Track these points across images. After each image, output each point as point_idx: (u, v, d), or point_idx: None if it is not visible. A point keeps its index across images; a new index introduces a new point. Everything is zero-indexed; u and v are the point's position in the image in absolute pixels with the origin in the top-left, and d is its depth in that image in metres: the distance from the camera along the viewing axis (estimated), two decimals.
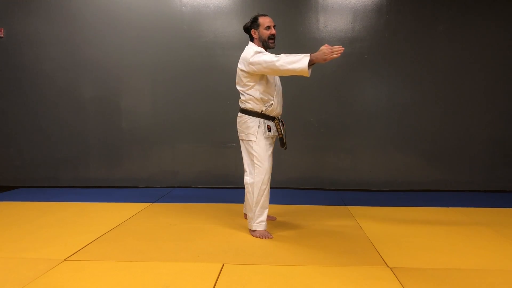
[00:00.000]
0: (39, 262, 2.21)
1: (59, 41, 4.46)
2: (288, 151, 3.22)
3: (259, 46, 2.68)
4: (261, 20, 2.65)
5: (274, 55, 2.48)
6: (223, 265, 2.16)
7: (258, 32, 2.65)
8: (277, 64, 2.42)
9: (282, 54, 2.44)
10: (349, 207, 3.54)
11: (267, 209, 2.71)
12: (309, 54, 2.35)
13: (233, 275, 2.04)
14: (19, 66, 4.50)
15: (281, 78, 3.04)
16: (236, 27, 4.31)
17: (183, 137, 4.51)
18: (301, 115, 4.32)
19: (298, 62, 2.35)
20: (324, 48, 2.32)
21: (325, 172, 4.44)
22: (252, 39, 2.72)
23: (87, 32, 4.45)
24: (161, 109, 4.49)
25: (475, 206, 3.61)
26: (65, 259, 2.25)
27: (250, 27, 2.69)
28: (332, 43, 4.26)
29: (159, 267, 2.14)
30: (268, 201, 2.72)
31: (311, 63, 2.36)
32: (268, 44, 2.66)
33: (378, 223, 3.01)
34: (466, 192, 4.27)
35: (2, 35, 4.46)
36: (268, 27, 2.63)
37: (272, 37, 2.64)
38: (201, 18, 4.37)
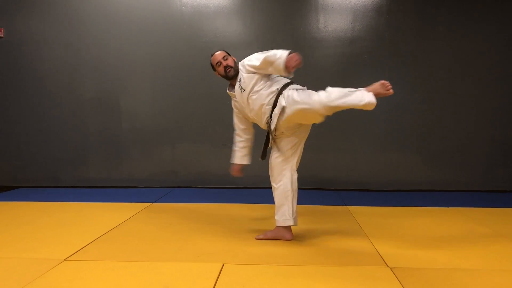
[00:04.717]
0: (39, 262, 2.20)
1: (59, 41, 4.45)
2: None
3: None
4: (212, 60, 2.67)
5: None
6: (223, 265, 2.16)
7: (217, 72, 2.67)
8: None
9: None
10: (349, 207, 3.54)
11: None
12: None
13: (233, 275, 2.04)
14: (19, 66, 4.50)
15: None
16: (236, 27, 4.30)
17: (183, 137, 4.50)
18: None
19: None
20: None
21: (324, 172, 4.44)
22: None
23: (87, 32, 4.44)
24: (161, 109, 4.49)
25: (475, 206, 3.61)
26: (65, 259, 2.24)
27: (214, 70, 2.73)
28: (332, 43, 4.32)
29: (159, 267, 2.14)
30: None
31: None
32: (227, 75, 2.63)
33: (378, 223, 3.00)
34: (466, 192, 4.26)
35: (2, 35, 4.46)
36: (219, 63, 2.62)
37: (226, 68, 2.61)
38: (201, 18, 4.37)
